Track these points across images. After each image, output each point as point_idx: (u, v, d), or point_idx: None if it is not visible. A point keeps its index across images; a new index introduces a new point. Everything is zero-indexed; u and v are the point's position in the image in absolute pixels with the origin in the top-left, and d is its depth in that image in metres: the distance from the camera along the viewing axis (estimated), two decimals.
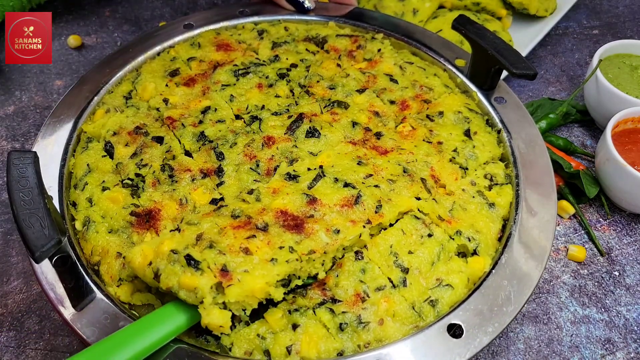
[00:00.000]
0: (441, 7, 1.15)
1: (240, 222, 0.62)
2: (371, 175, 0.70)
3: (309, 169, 0.71)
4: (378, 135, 0.78)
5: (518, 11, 1.15)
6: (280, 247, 0.60)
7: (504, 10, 1.15)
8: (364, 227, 0.64)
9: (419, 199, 0.70)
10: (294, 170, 0.71)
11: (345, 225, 0.63)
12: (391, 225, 0.67)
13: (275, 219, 0.63)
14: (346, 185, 0.68)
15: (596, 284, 0.82)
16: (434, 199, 0.71)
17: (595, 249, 0.86)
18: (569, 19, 1.27)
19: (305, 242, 0.61)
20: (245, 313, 0.57)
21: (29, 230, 0.53)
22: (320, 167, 0.71)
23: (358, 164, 0.72)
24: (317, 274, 0.62)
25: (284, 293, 0.59)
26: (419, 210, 0.69)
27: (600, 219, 0.90)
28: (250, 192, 0.68)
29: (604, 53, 0.99)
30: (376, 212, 0.66)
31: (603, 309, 0.79)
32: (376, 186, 0.69)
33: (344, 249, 0.64)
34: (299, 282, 0.61)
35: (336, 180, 0.69)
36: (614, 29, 1.27)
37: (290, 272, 0.59)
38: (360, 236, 0.64)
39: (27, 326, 0.75)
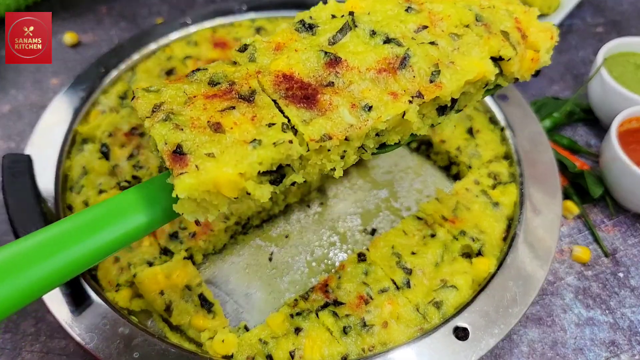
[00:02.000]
0: None
1: (218, 90, 0.45)
2: (426, 27, 0.49)
3: (333, 16, 0.49)
4: None
5: None
6: (270, 125, 0.41)
7: None
8: (411, 101, 0.44)
9: (497, 60, 0.48)
10: (310, 17, 0.50)
11: (382, 99, 0.44)
12: (454, 101, 0.47)
13: (274, 86, 0.44)
14: (388, 41, 0.47)
15: (600, 285, 0.81)
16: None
17: (599, 249, 0.85)
18: (573, 16, 1.26)
19: (319, 121, 0.42)
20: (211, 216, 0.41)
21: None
22: (351, 13, 0.49)
23: (407, 10, 0.50)
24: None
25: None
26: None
27: (605, 220, 0.89)
28: (244, 48, 0.48)
29: (608, 51, 0.98)
30: (431, 82, 0.45)
31: (607, 311, 0.78)
32: (432, 43, 0.47)
33: (377, 135, 0.45)
34: (299, 179, 0.42)
35: (373, 33, 0.48)
36: (618, 27, 1.25)
37: (280, 161, 0.41)
38: (403, 116, 0.44)
39: (23, 328, 0.74)
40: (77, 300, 0.60)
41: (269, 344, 0.57)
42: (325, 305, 0.60)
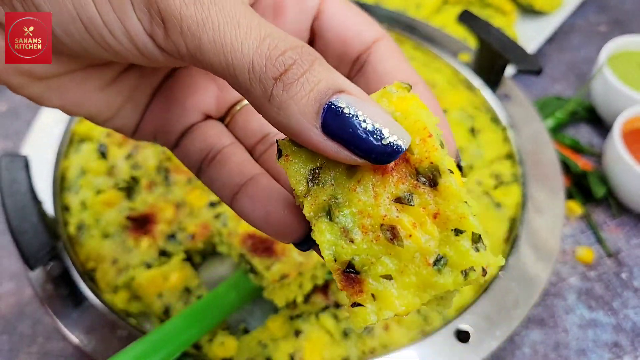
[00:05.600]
0: (445, 2, 1.13)
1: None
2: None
3: None
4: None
5: (523, 7, 1.13)
6: (457, 232, 0.28)
7: (510, 5, 1.13)
8: None
9: None
10: None
11: None
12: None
13: (241, 243, 0.58)
14: None
15: (604, 286, 0.80)
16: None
17: (602, 250, 0.84)
18: (576, 15, 1.25)
19: (277, 265, 0.56)
20: None
21: (22, 237, 0.52)
22: None
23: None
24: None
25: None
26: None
27: (608, 220, 0.88)
28: (217, 216, 0.64)
29: (611, 50, 0.98)
30: None
31: (610, 312, 0.77)
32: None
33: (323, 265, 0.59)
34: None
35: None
36: (621, 25, 1.24)
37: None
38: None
39: (20, 330, 0.74)
40: (75, 301, 0.59)
41: (268, 347, 0.57)
42: (326, 308, 0.60)
